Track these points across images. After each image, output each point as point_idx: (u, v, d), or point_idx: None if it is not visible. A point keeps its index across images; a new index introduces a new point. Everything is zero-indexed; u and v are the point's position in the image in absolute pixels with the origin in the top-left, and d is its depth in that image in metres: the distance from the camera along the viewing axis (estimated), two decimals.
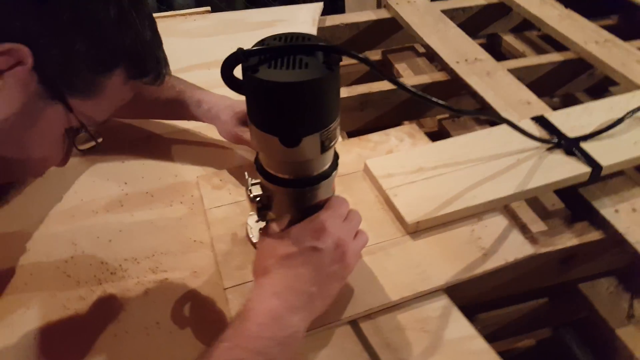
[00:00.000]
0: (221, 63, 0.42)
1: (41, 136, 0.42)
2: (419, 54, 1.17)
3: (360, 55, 0.43)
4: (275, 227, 0.51)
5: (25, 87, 0.38)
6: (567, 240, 0.62)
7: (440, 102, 0.46)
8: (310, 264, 0.45)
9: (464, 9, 1.15)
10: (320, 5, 1.07)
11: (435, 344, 0.50)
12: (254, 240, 0.59)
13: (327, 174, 0.49)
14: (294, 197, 0.50)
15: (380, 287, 0.53)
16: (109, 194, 0.68)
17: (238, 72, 0.43)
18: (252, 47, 0.42)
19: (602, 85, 1.06)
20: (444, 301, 0.53)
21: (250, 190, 0.52)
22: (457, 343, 0.50)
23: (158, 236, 0.62)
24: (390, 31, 1.13)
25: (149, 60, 0.45)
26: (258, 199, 0.51)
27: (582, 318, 0.78)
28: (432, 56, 1.10)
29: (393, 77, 0.45)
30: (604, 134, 0.70)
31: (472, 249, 0.58)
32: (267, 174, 0.50)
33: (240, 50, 0.41)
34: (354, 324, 0.51)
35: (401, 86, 0.45)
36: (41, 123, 0.41)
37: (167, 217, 0.65)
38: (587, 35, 0.99)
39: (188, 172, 0.71)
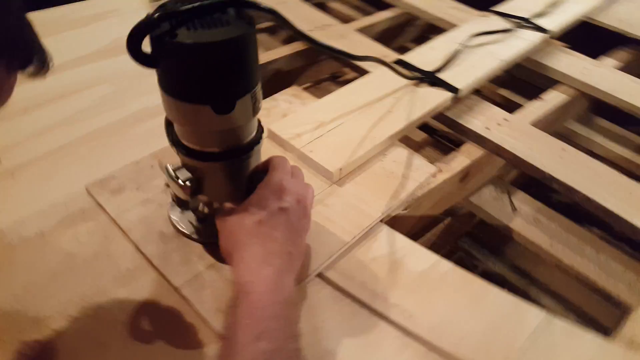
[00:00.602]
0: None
1: None
2: None
3: (271, 9, 0.43)
4: (228, 204, 0.49)
5: None
6: (461, 161, 0.70)
7: (344, 51, 0.49)
8: (281, 224, 0.45)
9: None
10: None
11: (401, 272, 0.52)
12: (187, 231, 0.54)
13: (258, 138, 0.49)
14: (229, 170, 0.48)
15: (331, 234, 0.54)
16: None
17: None
18: (159, 12, 0.38)
19: (423, 34, 1.21)
20: (387, 230, 0.57)
21: (176, 176, 0.48)
22: (425, 271, 0.53)
23: (73, 282, 0.49)
24: None
25: (33, 47, 0.37)
26: (188, 182, 0.48)
27: (476, 225, 0.90)
28: (274, 30, 1.13)
29: (303, 32, 0.47)
30: (451, 63, 0.81)
31: (390, 180, 0.63)
32: (195, 152, 0.46)
33: (150, 16, 0.38)
34: (321, 277, 0.52)
35: (315, 42, 0.50)
36: None
37: (72, 252, 0.52)
38: None
39: (74, 188, 0.59)
